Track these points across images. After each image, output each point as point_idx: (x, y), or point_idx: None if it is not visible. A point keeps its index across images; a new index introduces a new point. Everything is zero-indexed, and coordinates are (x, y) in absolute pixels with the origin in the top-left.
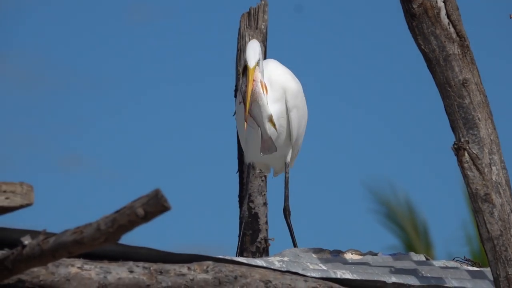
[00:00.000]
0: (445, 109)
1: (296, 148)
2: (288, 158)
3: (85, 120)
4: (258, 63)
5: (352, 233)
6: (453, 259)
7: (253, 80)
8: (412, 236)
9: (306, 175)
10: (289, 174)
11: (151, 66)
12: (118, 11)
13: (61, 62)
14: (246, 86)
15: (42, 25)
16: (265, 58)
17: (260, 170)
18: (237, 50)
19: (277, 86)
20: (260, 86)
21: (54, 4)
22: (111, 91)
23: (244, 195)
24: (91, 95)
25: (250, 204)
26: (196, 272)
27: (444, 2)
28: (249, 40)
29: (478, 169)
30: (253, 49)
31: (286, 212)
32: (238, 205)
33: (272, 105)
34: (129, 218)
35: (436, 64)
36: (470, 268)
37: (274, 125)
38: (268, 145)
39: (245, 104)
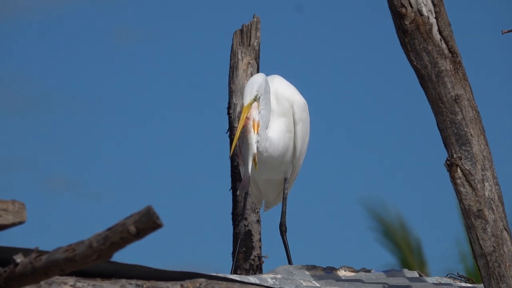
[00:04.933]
0: (438, 125)
1: (296, 168)
2: (288, 174)
3: (71, 142)
4: (257, 99)
5: (346, 250)
6: (447, 276)
7: (246, 118)
8: (406, 253)
9: (301, 192)
10: (287, 190)
11: (140, 85)
12: (105, 34)
13: (49, 86)
14: (239, 121)
15: (30, 50)
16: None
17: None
18: (230, 67)
19: (283, 99)
20: (251, 124)
21: (41, 29)
22: (98, 113)
23: (240, 211)
24: (77, 118)
25: (244, 221)
26: None
27: (436, 18)
28: (242, 57)
29: (470, 185)
30: (251, 86)
31: (283, 228)
32: (230, 223)
33: (278, 119)
34: (121, 236)
35: (428, 80)
36: (464, 284)
37: (256, 165)
38: (245, 183)
39: (234, 138)
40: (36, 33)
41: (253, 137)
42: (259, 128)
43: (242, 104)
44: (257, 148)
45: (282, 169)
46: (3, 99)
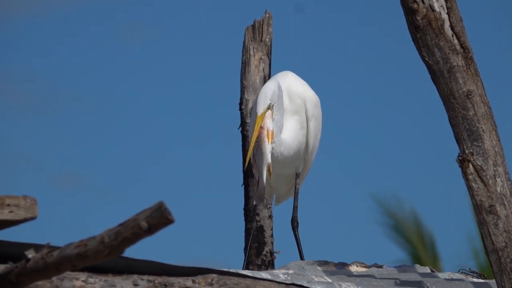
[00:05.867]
0: (450, 121)
1: (308, 163)
2: (300, 170)
3: (82, 140)
4: (270, 107)
5: (359, 246)
6: (459, 271)
7: (261, 127)
8: (419, 249)
9: (312, 187)
10: (299, 185)
11: (150, 82)
12: (113, 33)
13: (58, 84)
14: (253, 131)
15: (38, 49)
16: (269, 71)
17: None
18: (242, 63)
19: (296, 97)
20: (266, 133)
21: (47, 28)
22: (107, 110)
23: (252, 207)
24: (86, 115)
25: (256, 217)
26: (200, 285)
27: (448, 13)
28: (254, 53)
29: (482, 181)
30: (264, 95)
31: (294, 223)
32: (242, 218)
33: (291, 118)
34: (133, 231)
35: (440, 76)
36: (476, 280)
37: (270, 174)
38: (260, 194)
39: (249, 149)
40: (44, 32)
41: (268, 147)
42: (273, 137)
43: (256, 113)
44: (273, 153)
45: (294, 165)
46: (12, 98)
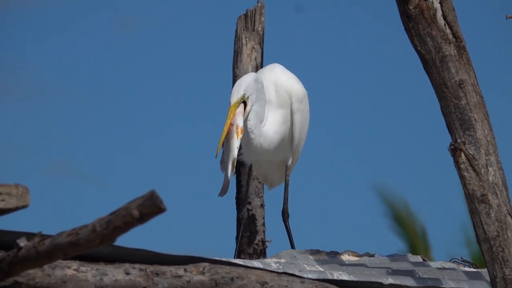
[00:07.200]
0: (442, 110)
1: (296, 154)
2: (289, 162)
3: (72, 127)
4: (245, 98)
5: (350, 235)
6: (450, 260)
7: (230, 124)
8: (413, 239)
9: (304, 177)
10: (289, 177)
11: (143, 71)
12: (108, 23)
13: (52, 74)
14: (226, 120)
15: (32, 39)
16: (262, 60)
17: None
18: (234, 52)
19: (282, 90)
20: (235, 130)
21: (41, 17)
22: (98, 98)
23: (244, 196)
24: (79, 104)
25: (248, 206)
26: (192, 274)
27: (440, 3)
28: (246, 42)
29: (474, 170)
30: (238, 86)
31: (285, 215)
32: (234, 207)
33: (276, 111)
34: (124, 220)
35: (432, 65)
36: (467, 269)
37: (233, 169)
38: (224, 188)
39: (220, 140)
40: (39, 21)
41: (235, 143)
42: (242, 133)
43: (229, 102)
44: (252, 144)
45: (283, 154)
46: (6, 87)
